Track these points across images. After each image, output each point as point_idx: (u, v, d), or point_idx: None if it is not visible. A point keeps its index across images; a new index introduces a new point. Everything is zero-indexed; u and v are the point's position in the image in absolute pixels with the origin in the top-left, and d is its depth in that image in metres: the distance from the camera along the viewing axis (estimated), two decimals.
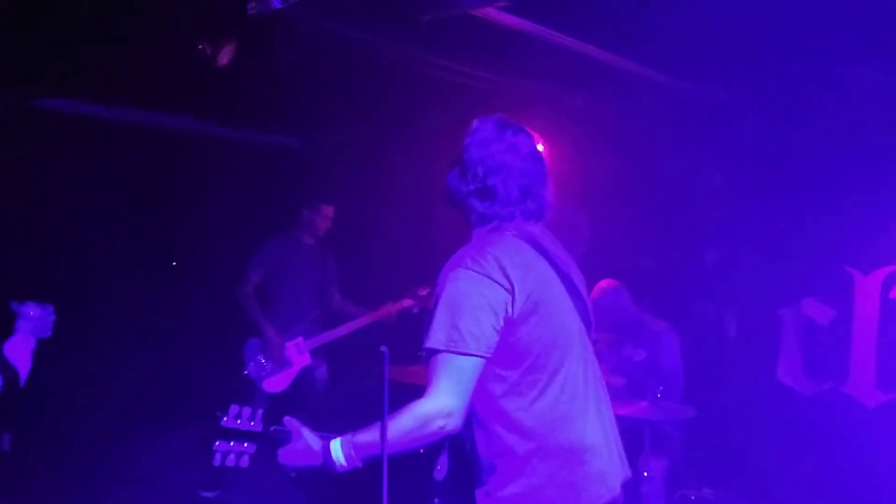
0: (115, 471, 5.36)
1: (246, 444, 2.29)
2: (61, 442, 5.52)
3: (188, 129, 5.89)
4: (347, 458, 2.13)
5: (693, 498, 5.45)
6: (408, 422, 2.09)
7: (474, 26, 4.14)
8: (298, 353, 4.97)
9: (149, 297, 5.93)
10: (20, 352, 2.70)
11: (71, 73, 4.66)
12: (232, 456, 2.28)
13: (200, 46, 3.86)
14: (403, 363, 4.56)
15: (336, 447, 2.14)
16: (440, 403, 2.09)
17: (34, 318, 2.70)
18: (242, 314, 5.00)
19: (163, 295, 6.07)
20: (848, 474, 5.14)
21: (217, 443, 2.27)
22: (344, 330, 5.05)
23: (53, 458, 5.42)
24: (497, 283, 2.16)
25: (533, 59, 4.70)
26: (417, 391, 4.51)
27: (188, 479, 5.14)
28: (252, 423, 2.30)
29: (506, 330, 2.17)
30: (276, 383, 4.96)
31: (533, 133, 2.56)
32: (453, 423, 2.10)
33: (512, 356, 2.20)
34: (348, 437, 2.15)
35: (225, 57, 3.86)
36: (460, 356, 2.10)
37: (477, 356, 2.12)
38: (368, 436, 2.12)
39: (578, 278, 2.50)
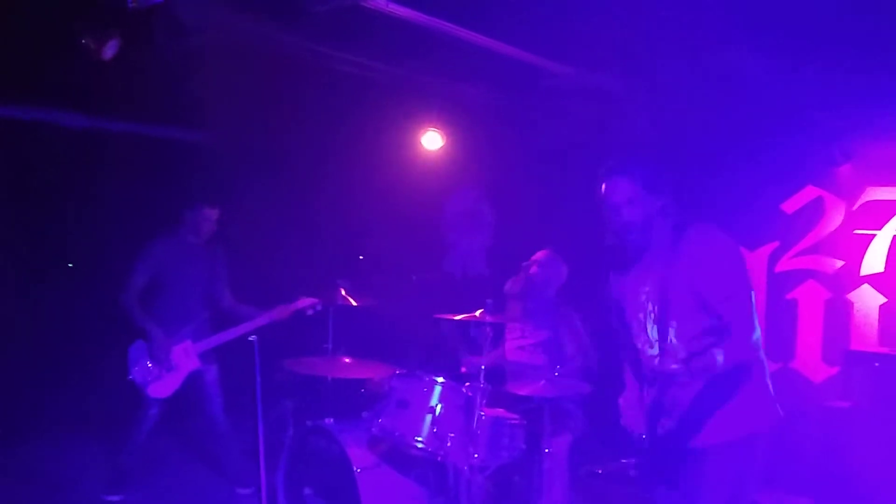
0: (13, 477, 5.18)
1: None
2: None
3: (74, 125, 5.69)
4: None
5: (600, 472, 5.65)
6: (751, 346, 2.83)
7: (367, 18, 4.14)
8: (186, 357, 4.81)
9: (33, 297, 5.71)
10: None
11: None
12: None
13: (84, 41, 3.75)
14: (300, 356, 4.59)
15: None
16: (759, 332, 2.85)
17: None
18: (127, 317, 4.82)
19: (47, 296, 5.85)
20: None
21: None
22: (236, 332, 4.90)
23: None
24: None
25: (428, 50, 4.74)
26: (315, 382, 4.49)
27: (88, 483, 4.99)
28: None
29: None
30: (161, 388, 4.76)
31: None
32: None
33: None
34: None
35: (109, 50, 3.76)
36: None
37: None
38: None
39: None
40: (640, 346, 3.08)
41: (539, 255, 4.92)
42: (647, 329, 3.03)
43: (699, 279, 2.86)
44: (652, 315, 2.98)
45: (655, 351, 2.99)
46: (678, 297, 2.90)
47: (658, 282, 2.96)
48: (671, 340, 2.92)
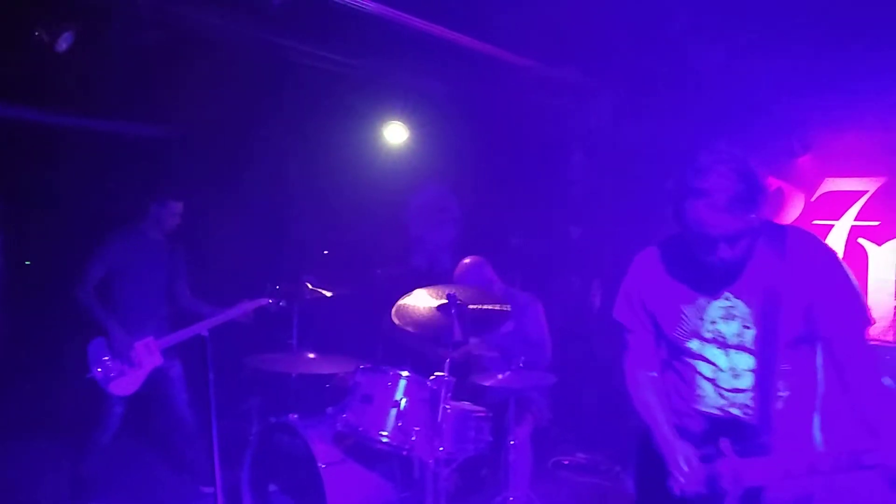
0: None
1: None
2: None
3: (30, 119, 5.55)
4: None
5: (566, 462, 5.71)
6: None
7: (329, 12, 4.11)
8: (148, 353, 4.70)
9: None
10: None
11: None
12: None
13: (37, 33, 3.67)
14: (264, 352, 4.56)
15: None
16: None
17: None
18: (85, 313, 4.71)
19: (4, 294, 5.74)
20: None
21: None
22: (198, 328, 4.79)
23: None
24: None
25: (390, 43, 4.72)
26: (279, 378, 4.42)
27: (45, 491, 4.88)
28: None
29: None
30: (124, 385, 4.64)
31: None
32: None
33: None
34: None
35: (63, 43, 3.68)
36: None
37: None
38: None
39: None
40: (702, 372, 2.51)
41: (457, 272, 4.95)
42: (712, 354, 2.49)
43: (818, 301, 2.39)
44: (739, 338, 2.44)
45: (746, 383, 2.44)
46: (787, 320, 2.40)
47: (762, 298, 2.41)
48: (779, 374, 2.42)
